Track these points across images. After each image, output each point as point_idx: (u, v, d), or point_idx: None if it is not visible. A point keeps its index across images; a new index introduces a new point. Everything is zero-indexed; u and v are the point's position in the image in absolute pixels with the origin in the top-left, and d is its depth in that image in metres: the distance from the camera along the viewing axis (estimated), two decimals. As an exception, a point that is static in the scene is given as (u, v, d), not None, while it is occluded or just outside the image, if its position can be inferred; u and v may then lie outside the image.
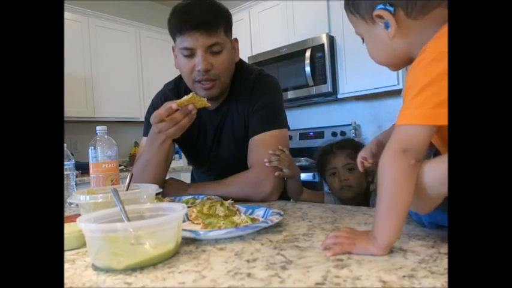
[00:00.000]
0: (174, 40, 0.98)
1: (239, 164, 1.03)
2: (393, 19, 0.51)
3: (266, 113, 1.01)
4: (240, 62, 1.09)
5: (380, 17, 0.53)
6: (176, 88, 1.13)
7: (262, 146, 0.99)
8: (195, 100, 0.87)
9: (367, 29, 0.56)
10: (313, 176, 2.37)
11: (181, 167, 3.37)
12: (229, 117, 1.07)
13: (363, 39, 0.59)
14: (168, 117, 0.87)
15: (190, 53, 0.94)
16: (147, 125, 1.07)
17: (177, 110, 0.86)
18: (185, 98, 0.85)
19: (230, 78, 1.03)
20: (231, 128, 1.07)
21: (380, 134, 0.75)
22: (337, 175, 1.12)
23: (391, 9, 0.51)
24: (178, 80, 1.13)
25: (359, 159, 0.71)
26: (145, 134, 1.10)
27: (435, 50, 0.46)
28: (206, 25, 0.91)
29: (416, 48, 0.51)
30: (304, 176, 2.43)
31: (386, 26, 0.52)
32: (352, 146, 1.15)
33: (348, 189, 1.11)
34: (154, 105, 1.11)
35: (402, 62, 0.57)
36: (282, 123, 1.04)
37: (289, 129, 1.09)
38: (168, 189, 1.05)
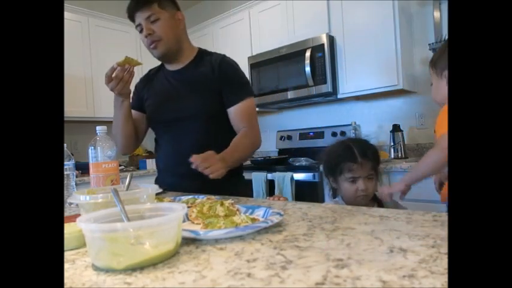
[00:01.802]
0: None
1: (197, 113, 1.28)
2: None
3: (240, 85, 1.31)
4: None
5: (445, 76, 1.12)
6: (146, 76, 1.47)
7: (246, 112, 1.30)
8: (130, 60, 1.17)
9: (437, 79, 1.19)
10: (313, 176, 2.36)
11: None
12: (191, 74, 1.33)
13: (431, 84, 1.21)
14: (114, 76, 1.17)
15: (140, 28, 1.28)
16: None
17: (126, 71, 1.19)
18: (121, 59, 1.16)
19: (175, 40, 1.31)
20: (191, 82, 1.31)
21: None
22: (356, 183, 1.12)
23: None
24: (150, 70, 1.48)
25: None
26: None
27: None
28: (140, 4, 1.26)
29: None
30: (304, 176, 2.42)
31: None
32: (374, 157, 1.15)
33: (364, 197, 1.11)
34: (136, 89, 1.46)
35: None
36: (252, 92, 1.37)
37: (254, 96, 1.40)
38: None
